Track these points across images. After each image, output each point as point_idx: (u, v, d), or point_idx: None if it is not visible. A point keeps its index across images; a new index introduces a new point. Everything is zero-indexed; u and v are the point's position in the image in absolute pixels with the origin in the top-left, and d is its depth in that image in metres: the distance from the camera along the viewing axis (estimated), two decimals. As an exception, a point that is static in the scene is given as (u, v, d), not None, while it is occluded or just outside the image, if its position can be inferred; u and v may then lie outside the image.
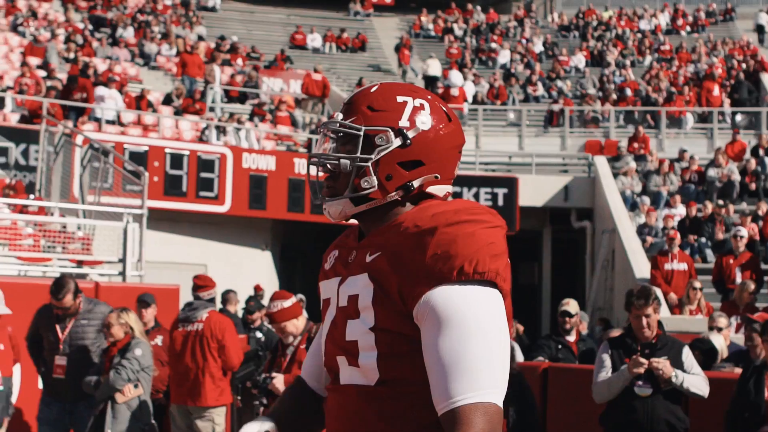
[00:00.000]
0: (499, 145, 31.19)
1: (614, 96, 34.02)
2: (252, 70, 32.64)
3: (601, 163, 26.79)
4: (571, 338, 11.15)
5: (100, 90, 25.71)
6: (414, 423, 2.77)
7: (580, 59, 38.58)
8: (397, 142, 2.89)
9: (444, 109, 2.99)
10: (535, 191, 26.83)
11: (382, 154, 2.89)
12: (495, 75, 35.56)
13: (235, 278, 21.68)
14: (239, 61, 34.64)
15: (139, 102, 27.15)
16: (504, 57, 38.87)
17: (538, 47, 40.31)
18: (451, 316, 2.65)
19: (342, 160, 2.92)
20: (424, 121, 2.92)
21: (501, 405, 2.66)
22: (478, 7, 45.47)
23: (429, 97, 2.99)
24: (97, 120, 24.64)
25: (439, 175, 2.94)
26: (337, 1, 45.13)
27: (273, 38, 40.80)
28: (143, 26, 35.49)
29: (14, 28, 32.54)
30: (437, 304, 2.66)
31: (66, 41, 31.64)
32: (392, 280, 2.75)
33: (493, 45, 40.20)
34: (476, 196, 25.86)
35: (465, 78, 34.91)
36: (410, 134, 2.89)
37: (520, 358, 11.26)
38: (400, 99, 2.94)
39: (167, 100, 28.50)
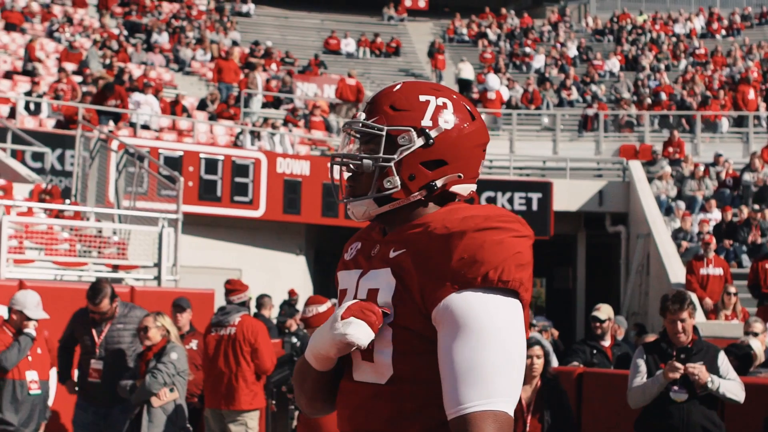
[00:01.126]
0: (533, 150, 31.12)
1: (649, 100, 33.87)
2: (286, 75, 32.71)
3: (636, 167, 26.69)
4: (606, 343, 11.10)
5: (136, 96, 25.84)
6: (425, 422, 2.75)
7: (614, 63, 38.45)
8: (419, 141, 2.88)
9: (468, 107, 2.97)
10: (570, 196, 26.75)
11: (405, 154, 2.88)
12: (529, 79, 35.50)
13: (269, 283, 21.73)
14: (273, 66, 34.72)
15: (174, 107, 27.27)
16: (538, 61, 38.80)
17: (572, 51, 40.21)
18: (470, 322, 2.64)
19: (365, 161, 2.91)
20: (447, 120, 2.90)
21: (512, 415, 2.65)
22: (512, 12, 45.42)
23: (453, 96, 2.97)
24: (133, 125, 24.76)
25: (462, 175, 2.92)
26: (371, 5, 45.19)
27: (307, 43, 40.88)
28: (178, 32, 35.64)
29: (50, 33, 32.74)
30: (457, 308, 2.66)
31: (101, 47, 31.82)
32: (415, 278, 2.74)
33: (527, 49, 40.12)
34: (510, 200, 25.81)
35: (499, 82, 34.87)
36: (433, 133, 2.88)
37: (554, 362, 11.22)
38: (422, 98, 2.93)
39: (202, 106, 28.61)
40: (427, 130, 2.87)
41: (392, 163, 2.88)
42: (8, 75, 27.41)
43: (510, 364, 2.64)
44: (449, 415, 2.63)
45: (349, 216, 3.01)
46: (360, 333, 2.79)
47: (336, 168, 3.06)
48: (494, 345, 2.63)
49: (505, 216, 2.77)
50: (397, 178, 2.88)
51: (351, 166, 2.96)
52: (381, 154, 2.88)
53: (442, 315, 2.67)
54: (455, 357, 2.63)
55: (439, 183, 2.89)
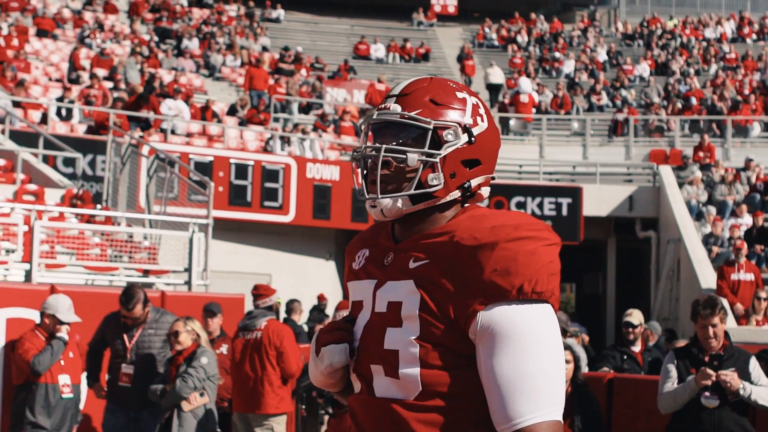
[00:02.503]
0: (563, 155, 31.07)
1: (679, 105, 33.76)
2: (316, 81, 32.77)
3: (666, 172, 26.59)
4: (636, 348, 11.08)
5: (167, 102, 25.97)
6: None
7: (644, 68, 38.34)
8: (464, 138, 2.80)
9: (489, 111, 2.94)
10: (600, 201, 26.68)
11: (450, 150, 2.79)
12: (559, 84, 35.44)
13: (299, 288, 21.78)
14: (303, 71, 34.79)
15: (204, 113, 27.37)
16: (568, 66, 38.74)
17: (602, 56, 40.11)
18: (512, 335, 2.59)
19: (409, 155, 2.78)
20: (483, 118, 2.86)
21: (561, 420, 2.62)
22: (542, 17, 45.37)
23: (478, 97, 2.92)
24: (163, 131, 24.86)
25: (494, 176, 2.90)
26: (401, 11, 45.23)
27: (337, 49, 40.94)
28: (208, 37, 35.77)
29: (81, 40, 32.92)
30: (497, 322, 2.60)
31: (132, 53, 31.97)
32: (444, 291, 2.65)
33: (557, 54, 40.07)
34: (540, 206, 25.77)
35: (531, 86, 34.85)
36: (475, 131, 2.82)
37: (585, 368, 11.20)
38: (460, 95, 2.86)
39: (232, 111, 28.71)
40: (470, 128, 2.82)
41: (438, 159, 2.77)
42: (54, 81, 27.57)
43: (555, 372, 2.61)
44: (502, 430, 2.59)
45: (370, 212, 2.87)
46: (335, 358, 2.86)
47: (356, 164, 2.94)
48: (538, 355, 2.59)
49: (534, 224, 2.70)
50: (442, 174, 2.78)
51: (391, 161, 2.81)
52: (426, 149, 2.78)
53: (483, 331, 2.61)
54: (501, 371, 2.59)
55: (474, 183, 2.83)
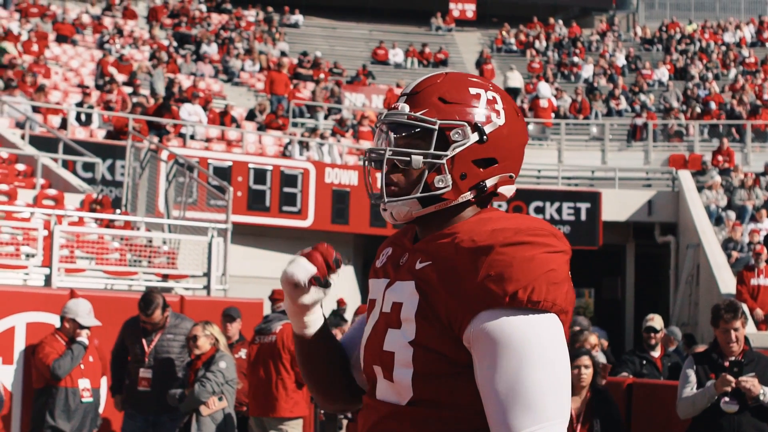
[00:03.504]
0: (581, 160, 31.02)
1: (698, 109, 33.67)
2: (334, 86, 32.81)
3: (686, 177, 26.54)
4: (656, 354, 11.06)
5: (187, 107, 26.05)
6: None
7: (663, 73, 38.25)
8: (474, 137, 2.66)
9: (511, 102, 2.78)
10: (619, 206, 26.63)
11: (458, 150, 2.66)
12: (578, 89, 35.39)
13: (317, 292, 21.75)
14: (321, 76, 34.83)
15: (223, 118, 27.42)
16: (587, 71, 38.67)
17: (620, 61, 40.04)
18: (504, 344, 2.45)
19: (414, 157, 2.66)
20: (499, 115, 2.70)
21: None
22: (560, 21, 45.31)
23: (500, 90, 2.78)
24: (182, 136, 24.93)
25: (513, 175, 2.74)
26: (419, 16, 45.23)
27: (355, 53, 40.97)
28: (227, 42, 35.85)
29: (101, 45, 33.03)
30: (489, 330, 2.46)
31: (151, 58, 32.06)
32: (440, 295, 2.54)
33: (576, 59, 40.00)
34: (559, 210, 25.75)
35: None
36: (487, 129, 2.67)
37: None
38: (473, 91, 2.72)
39: (250, 116, 28.76)
40: (481, 126, 2.67)
41: (445, 160, 2.65)
42: (74, 86, 27.68)
43: (557, 382, 2.47)
44: None
45: (384, 216, 2.79)
46: (295, 268, 2.76)
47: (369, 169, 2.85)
48: (531, 366, 2.44)
49: (538, 229, 2.56)
50: (449, 176, 2.66)
51: (397, 162, 2.71)
52: (432, 150, 2.65)
53: (476, 338, 2.49)
54: (493, 382, 2.45)
55: (489, 183, 2.69)
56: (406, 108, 2.71)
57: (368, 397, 2.78)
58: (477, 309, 2.48)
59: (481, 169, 2.69)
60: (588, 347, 9.00)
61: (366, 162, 2.82)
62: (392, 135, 2.73)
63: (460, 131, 2.66)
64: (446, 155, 2.66)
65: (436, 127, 2.65)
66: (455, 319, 2.51)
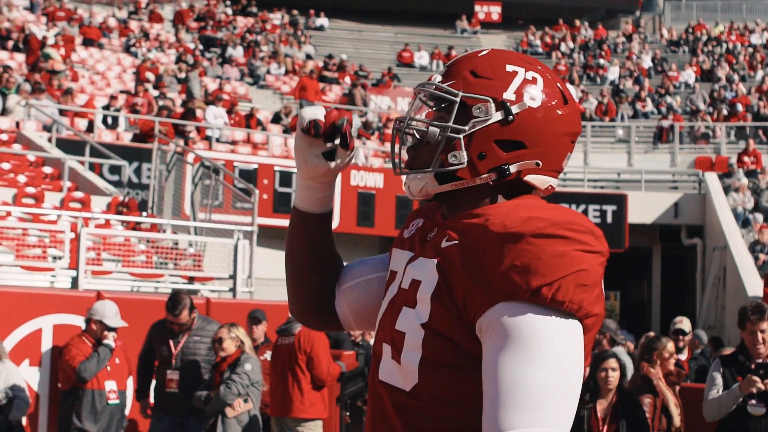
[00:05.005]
0: (607, 162, 30.96)
1: (725, 111, 33.54)
2: (360, 88, 32.85)
3: (712, 179, 26.45)
4: (683, 356, 11.02)
5: (213, 110, 26.14)
6: None
7: (689, 75, 38.12)
8: (497, 116, 2.46)
9: (561, 88, 2.56)
10: (645, 208, 26.56)
11: (478, 127, 2.47)
12: (603, 91, 35.31)
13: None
14: (347, 79, 34.88)
15: (249, 120, 27.49)
16: (613, 73, 38.57)
17: (647, 63, 39.92)
18: (516, 337, 2.24)
19: (431, 128, 2.51)
20: (534, 96, 2.49)
21: None
22: (586, 23, 45.21)
23: (548, 73, 2.56)
24: (208, 139, 25.01)
25: (540, 163, 2.50)
26: (445, 18, 45.23)
27: (380, 56, 41.00)
28: (252, 46, 35.93)
29: (127, 48, 33.17)
30: (503, 321, 2.26)
31: (177, 61, 32.18)
32: (460, 278, 2.35)
33: (602, 61, 39.92)
34: (585, 213, 25.65)
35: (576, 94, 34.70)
36: (514, 109, 2.46)
37: (630, 376, 11.15)
38: (510, 68, 2.52)
39: (276, 119, 28.82)
40: (508, 104, 2.47)
41: (462, 136, 2.48)
42: (100, 89, 27.81)
43: (564, 390, 2.24)
44: None
45: (404, 190, 2.65)
46: (306, 110, 2.66)
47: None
48: (547, 365, 2.22)
49: (576, 224, 2.32)
50: (465, 153, 2.48)
51: (415, 133, 2.59)
52: (450, 124, 2.49)
53: (488, 328, 2.29)
54: (500, 373, 2.23)
55: (513, 168, 2.48)
56: (438, 78, 2.57)
57: (373, 383, 2.59)
58: (496, 299, 2.28)
59: (504, 152, 2.48)
60: (666, 355, 8.92)
61: (394, 132, 2.66)
62: (426, 105, 2.63)
63: (482, 107, 2.48)
64: (464, 130, 2.48)
65: (458, 99, 2.49)
66: (471, 305, 2.32)
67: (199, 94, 28.68)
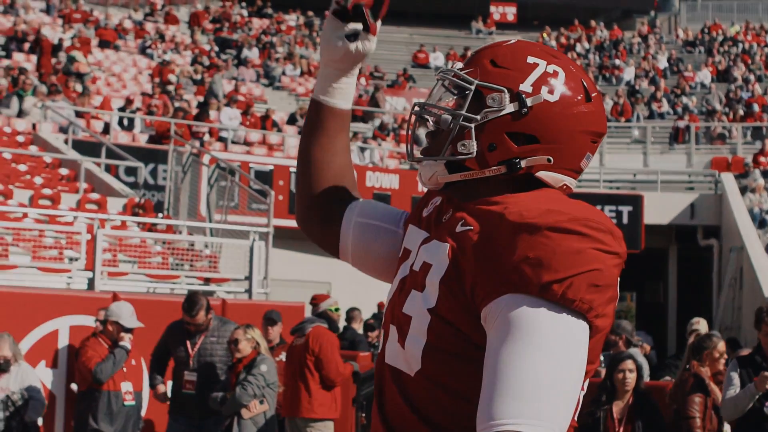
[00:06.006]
0: (623, 163, 30.90)
1: (741, 111, 33.46)
2: (375, 90, 32.86)
3: (728, 179, 26.38)
4: (699, 358, 10.97)
5: (228, 112, 26.19)
6: None
7: (705, 75, 38.03)
8: (510, 107, 2.39)
9: (585, 84, 2.46)
10: (661, 209, 26.51)
11: (490, 117, 2.40)
12: (619, 91, 35.26)
13: (359, 296, 21.77)
14: (362, 80, 34.90)
15: (264, 122, 27.53)
16: (628, 74, 38.51)
17: (662, 63, 39.83)
18: (527, 329, 2.16)
19: (443, 115, 2.46)
20: (553, 90, 2.41)
21: None
22: (602, 24, 45.15)
23: (572, 67, 2.48)
24: (223, 140, 25.05)
25: (552, 159, 2.42)
26: (460, 19, 45.21)
27: (396, 57, 40.99)
28: (268, 47, 35.98)
29: (143, 50, 33.24)
30: (513, 313, 2.17)
31: (192, 62, 32.24)
32: (470, 264, 2.28)
33: (617, 61, 39.86)
34: (600, 214, 25.62)
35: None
36: (529, 101, 2.39)
37: (647, 377, 11.13)
38: (531, 60, 2.44)
39: (292, 120, 28.85)
40: (523, 96, 2.39)
41: (473, 125, 2.41)
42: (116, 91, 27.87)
43: (563, 386, 2.15)
44: (480, 429, 2.16)
45: (417, 178, 2.62)
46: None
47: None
48: (548, 358, 2.14)
49: (596, 222, 2.25)
50: (475, 143, 2.41)
51: (429, 120, 2.54)
52: (463, 112, 2.42)
53: (494, 318, 2.21)
54: (499, 362, 2.16)
55: (523, 163, 2.40)
56: (459, 65, 2.51)
57: (379, 359, 2.55)
58: (504, 290, 2.20)
59: (516, 145, 2.40)
60: (717, 355, 8.85)
61: (410, 116, 2.61)
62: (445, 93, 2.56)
63: (496, 97, 2.40)
64: (475, 119, 2.41)
65: (472, 87, 2.43)
66: (479, 293, 2.24)
67: (222, 95, 28.74)
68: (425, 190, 2.62)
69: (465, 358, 2.29)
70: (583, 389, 2.33)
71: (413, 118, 2.58)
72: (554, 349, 2.15)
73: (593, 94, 2.46)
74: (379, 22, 2.71)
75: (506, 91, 2.40)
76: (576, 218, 2.23)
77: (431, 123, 2.54)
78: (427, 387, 2.35)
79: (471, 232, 2.33)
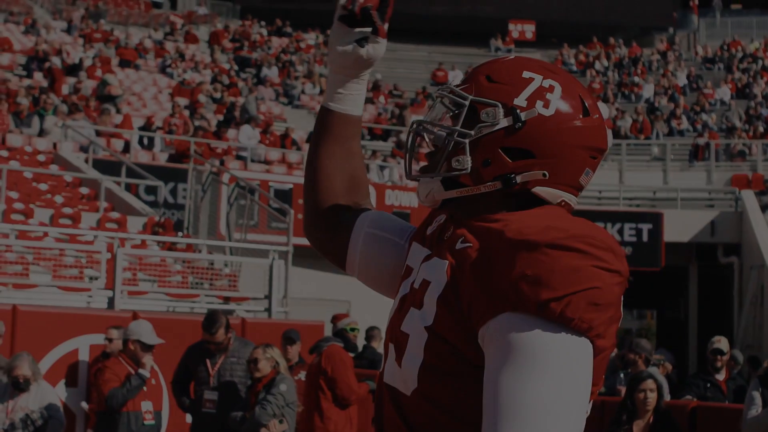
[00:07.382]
0: (643, 180, 30.85)
1: (761, 128, 33.38)
2: (395, 108, 32.91)
3: (749, 197, 26.31)
4: (721, 377, 10.94)
5: (247, 131, 26.28)
6: None
7: (725, 92, 37.96)
8: (504, 122, 2.35)
9: (582, 98, 2.41)
10: (681, 226, 26.43)
11: (484, 132, 2.36)
12: (638, 109, 35.21)
13: (378, 314, 21.71)
14: (382, 98, 34.95)
15: (284, 140, 27.59)
16: (647, 91, 38.46)
17: (682, 80, 39.78)
18: (526, 350, 2.12)
19: (438, 133, 2.44)
20: (548, 104, 2.36)
21: None
22: (621, 41, 45.11)
23: (570, 83, 2.43)
24: (243, 158, 25.11)
25: (547, 174, 2.36)
26: (478, 37, 45.23)
27: (415, 75, 41.05)
28: (287, 66, 36.09)
29: (163, 69, 33.37)
30: (512, 333, 2.13)
31: (212, 82, 32.35)
32: (468, 281, 2.23)
33: (636, 79, 39.82)
34: (620, 231, 25.58)
35: (608, 113, 34.64)
36: (523, 116, 2.34)
37: (667, 396, 11.09)
38: (526, 74, 2.41)
39: (311, 139, 28.93)
40: (517, 111, 2.35)
41: (467, 141, 2.37)
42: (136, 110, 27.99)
43: (566, 409, 2.11)
44: None
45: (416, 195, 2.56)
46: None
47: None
48: (550, 381, 2.10)
49: (597, 239, 2.18)
50: (469, 159, 2.37)
51: (427, 139, 2.51)
52: (457, 128, 2.39)
53: (492, 338, 2.16)
54: (500, 387, 2.11)
55: (519, 178, 2.35)
56: (456, 82, 2.51)
57: (379, 378, 2.51)
58: (501, 308, 2.16)
59: (511, 160, 2.35)
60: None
61: (408, 134, 2.58)
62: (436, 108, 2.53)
63: (490, 111, 2.36)
64: (469, 134, 2.37)
65: (467, 102, 2.39)
66: (476, 311, 2.19)
67: (255, 113, 28.86)
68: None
69: (461, 377, 2.25)
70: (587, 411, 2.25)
71: (411, 136, 2.55)
72: (555, 371, 2.11)
73: (592, 110, 2.42)
74: (386, 24, 2.68)
75: (500, 105, 2.36)
76: (575, 235, 2.18)
77: (427, 140, 2.52)
78: (423, 406, 2.31)
79: (470, 249, 2.28)
